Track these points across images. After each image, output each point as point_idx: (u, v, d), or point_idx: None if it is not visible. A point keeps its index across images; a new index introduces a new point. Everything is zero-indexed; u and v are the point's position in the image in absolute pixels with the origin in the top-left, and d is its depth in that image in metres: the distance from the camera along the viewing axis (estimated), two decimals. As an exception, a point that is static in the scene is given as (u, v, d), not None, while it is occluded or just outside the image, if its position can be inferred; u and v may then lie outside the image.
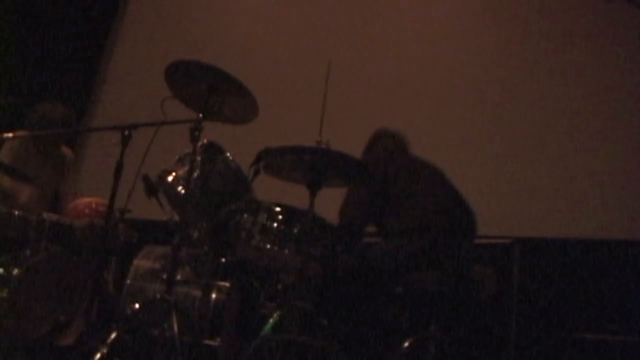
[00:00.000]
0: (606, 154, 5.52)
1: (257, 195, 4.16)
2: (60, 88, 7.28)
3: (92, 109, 7.84)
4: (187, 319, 3.84)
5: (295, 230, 3.80)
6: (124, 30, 8.15)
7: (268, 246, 3.81)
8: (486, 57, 6.19)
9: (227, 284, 4.04)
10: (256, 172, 4.03)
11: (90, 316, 3.99)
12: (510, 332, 4.83)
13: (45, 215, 4.65)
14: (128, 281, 4.18)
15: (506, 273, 4.90)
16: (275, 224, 3.82)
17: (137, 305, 3.84)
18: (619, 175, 5.41)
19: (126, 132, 3.81)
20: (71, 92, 7.33)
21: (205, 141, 4.07)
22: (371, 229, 4.39)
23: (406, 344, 3.85)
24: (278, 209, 3.85)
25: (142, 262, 4.24)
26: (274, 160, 3.84)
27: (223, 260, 4.12)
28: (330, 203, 4.18)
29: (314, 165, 3.73)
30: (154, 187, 4.19)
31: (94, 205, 4.89)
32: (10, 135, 4.92)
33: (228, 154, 4.14)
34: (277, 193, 4.05)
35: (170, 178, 4.05)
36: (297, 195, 3.96)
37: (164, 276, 3.98)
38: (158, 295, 3.73)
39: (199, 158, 3.99)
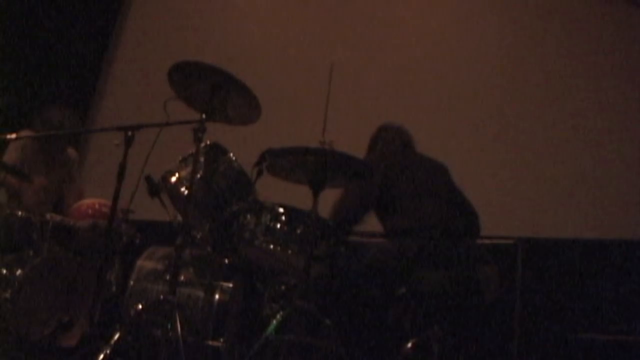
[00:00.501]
0: (611, 154, 5.52)
1: (260, 196, 4.15)
2: (63, 89, 7.29)
3: (95, 110, 7.84)
4: (191, 320, 3.84)
5: (299, 231, 3.80)
6: (127, 31, 8.15)
7: (271, 247, 3.81)
8: (491, 58, 6.20)
9: (230, 285, 4.04)
10: (259, 173, 4.03)
11: (94, 317, 3.98)
12: (514, 333, 4.82)
13: (48, 216, 4.67)
14: (131, 282, 4.18)
15: (510, 273, 4.90)
16: (278, 225, 3.82)
17: (140, 306, 3.84)
18: (624, 176, 5.41)
19: (129, 133, 3.81)
20: (74, 93, 7.34)
21: (208, 142, 4.05)
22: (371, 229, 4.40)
23: (409, 345, 3.84)
24: (281, 209, 3.85)
25: (145, 263, 4.24)
26: (277, 161, 3.83)
27: (226, 261, 4.12)
28: (332, 203, 4.18)
29: (317, 166, 3.72)
30: (156, 187, 4.18)
31: (97, 206, 4.90)
32: (14, 136, 4.94)
33: (231, 155, 4.13)
34: (280, 194, 4.04)
35: (173, 179, 4.04)
36: (300, 195, 3.96)
37: (167, 277, 3.98)
38: (161, 296, 3.72)
39: (202, 159, 3.98)
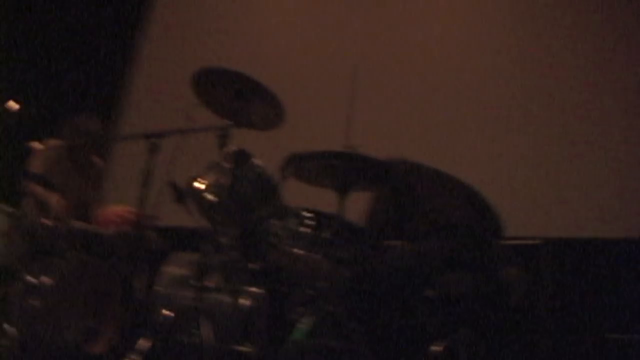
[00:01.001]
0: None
1: (286, 200, 4.15)
2: (88, 97, 7.34)
3: (119, 117, 7.90)
4: (218, 326, 3.84)
5: (325, 235, 3.80)
6: (150, 37, 8.18)
7: (298, 251, 3.81)
8: (515, 57, 6.15)
9: (257, 290, 4.04)
10: (284, 178, 4.04)
11: (121, 324, 4.00)
12: (541, 335, 4.80)
13: (75, 223, 4.69)
14: (156, 288, 4.18)
15: (536, 274, 4.88)
16: (304, 229, 3.82)
17: (167, 312, 3.85)
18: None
19: (154, 140, 3.82)
20: (99, 101, 7.39)
21: (233, 148, 4.06)
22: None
23: (437, 348, 3.83)
24: (307, 214, 3.85)
25: (170, 269, 4.24)
26: (303, 165, 3.84)
27: (253, 266, 4.12)
28: (358, 207, 4.18)
29: (342, 170, 3.73)
30: (181, 193, 4.20)
31: (122, 213, 4.91)
32: (40, 145, 4.98)
33: (256, 160, 4.13)
34: (306, 198, 4.04)
35: (199, 185, 4.04)
36: (325, 199, 3.96)
37: (195, 283, 3.99)
38: (188, 302, 3.73)
39: (227, 165, 3.99)
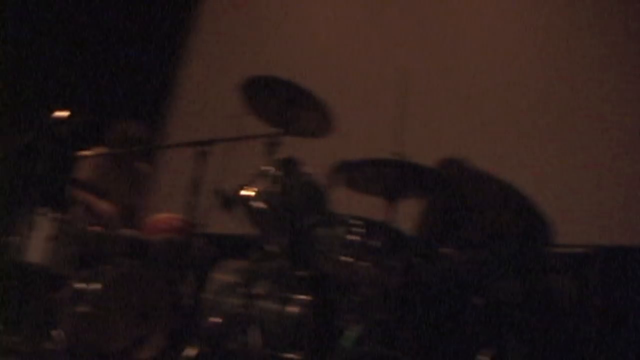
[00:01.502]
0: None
1: (334, 208, 4.15)
2: (135, 105, 7.40)
3: (167, 124, 7.97)
4: (267, 333, 3.85)
5: (374, 243, 3.79)
6: (197, 45, 8.25)
7: (346, 259, 3.80)
8: (563, 63, 6.08)
9: (305, 298, 4.04)
10: (333, 186, 4.04)
11: (169, 330, 4.02)
12: (590, 343, 4.75)
13: (123, 231, 4.73)
14: (206, 295, 4.19)
15: (586, 283, 4.83)
16: (353, 237, 3.80)
17: (216, 320, 3.87)
18: None
19: (203, 148, 3.85)
20: (146, 109, 7.45)
21: (282, 155, 4.08)
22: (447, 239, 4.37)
23: (485, 355, 3.81)
24: (356, 221, 3.83)
25: (219, 277, 4.25)
26: (352, 173, 3.84)
27: (301, 273, 4.12)
28: (408, 214, 4.17)
29: (391, 177, 3.72)
30: (229, 201, 4.22)
31: (170, 220, 4.95)
32: (88, 153, 5.03)
33: (305, 168, 4.14)
34: (354, 206, 4.03)
35: (248, 193, 4.05)
36: (374, 207, 3.95)
37: (243, 290, 4.00)
38: (236, 310, 3.74)
39: (276, 173, 4.01)
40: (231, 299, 4.13)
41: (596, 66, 5.98)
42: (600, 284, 4.86)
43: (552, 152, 5.79)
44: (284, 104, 3.92)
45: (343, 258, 3.82)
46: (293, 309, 3.99)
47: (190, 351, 3.70)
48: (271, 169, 3.90)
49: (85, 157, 5.14)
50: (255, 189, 4.06)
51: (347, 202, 4.15)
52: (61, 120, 4.74)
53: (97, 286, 4.43)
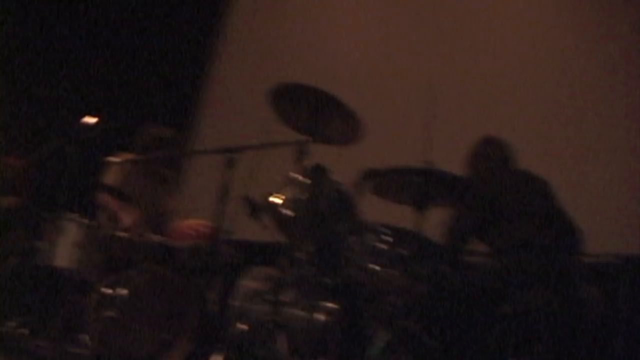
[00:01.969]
0: None
1: (363, 216, 4.13)
2: (163, 111, 7.44)
3: (194, 131, 8.00)
4: (294, 341, 3.84)
5: (402, 251, 3.78)
6: (226, 52, 8.26)
7: (375, 267, 3.80)
8: (597, 72, 6.04)
9: (333, 306, 4.03)
10: (360, 193, 4.04)
11: (195, 336, 4.02)
12: (619, 354, 4.71)
13: (150, 236, 4.75)
14: (233, 302, 4.18)
15: (615, 293, 4.79)
16: (382, 245, 3.80)
17: (243, 327, 3.87)
18: None
19: (231, 155, 3.85)
20: (174, 115, 7.48)
21: (310, 163, 4.07)
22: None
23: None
24: (385, 229, 3.83)
25: (248, 284, 4.23)
26: (380, 181, 3.83)
27: (328, 281, 4.12)
28: (436, 222, 4.16)
29: (420, 185, 3.71)
30: (257, 208, 4.22)
31: (197, 227, 4.96)
32: (116, 158, 5.05)
33: (333, 176, 4.13)
34: (383, 213, 4.02)
35: (276, 200, 4.06)
36: (402, 215, 3.94)
37: (270, 297, 4.00)
38: (264, 317, 3.74)
39: (304, 180, 4.01)
40: (258, 306, 4.12)
41: (624, 72, 5.94)
42: (629, 294, 4.82)
43: (582, 160, 5.75)
44: (312, 111, 3.91)
45: (371, 266, 3.82)
46: (320, 317, 3.97)
47: (217, 358, 3.69)
48: (299, 177, 3.90)
49: (113, 162, 5.16)
50: (284, 196, 4.07)
51: (375, 210, 4.15)
52: (89, 125, 4.77)
53: (124, 291, 4.45)
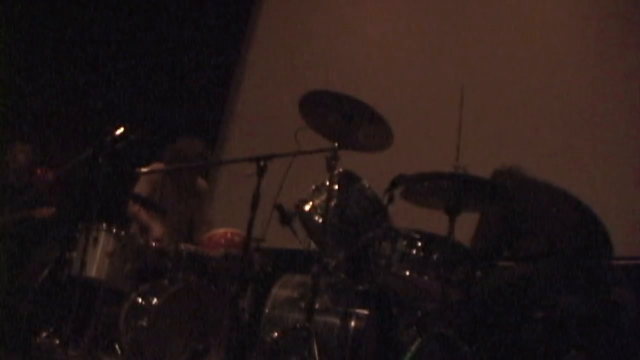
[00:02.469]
0: None
1: (394, 222, 4.13)
2: (192, 120, 7.48)
3: (224, 140, 8.04)
4: (327, 348, 3.84)
5: (435, 257, 3.77)
6: (255, 60, 8.31)
7: (407, 273, 3.78)
8: (623, 72, 6.01)
9: (366, 312, 4.03)
10: (390, 199, 4.03)
11: (228, 344, 4.03)
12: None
13: (182, 245, 4.77)
14: (266, 310, 4.18)
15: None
16: (414, 251, 3.79)
17: (276, 334, 3.87)
18: None
19: (261, 163, 3.85)
20: (204, 124, 7.52)
21: (341, 170, 4.07)
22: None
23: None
24: (417, 235, 3.82)
25: (280, 291, 4.24)
26: (411, 186, 3.82)
27: (361, 287, 4.12)
28: (468, 228, 4.15)
29: (452, 191, 3.69)
30: (288, 216, 4.23)
31: (229, 235, 4.97)
32: (146, 169, 5.08)
33: (364, 182, 4.13)
34: (415, 219, 4.02)
35: (307, 207, 4.07)
36: (434, 220, 3.94)
37: (303, 305, 4.00)
38: (297, 324, 3.74)
39: (335, 187, 4.00)
40: (291, 313, 4.14)
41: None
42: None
43: (612, 164, 5.71)
44: (342, 118, 3.91)
45: (403, 272, 3.82)
46: (353, 324, 3.99)
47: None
48: (330, 184, 3.89)
49: (145, 173, 5.20)
50: (314, 204, 4.08)
51: (406, 215, 4.14)
52: (121, 136, 4.80)
53: (156, 301, 4.48)
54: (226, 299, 4.60)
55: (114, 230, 4.80)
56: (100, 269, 4.72)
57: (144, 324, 4.39)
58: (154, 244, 4.84)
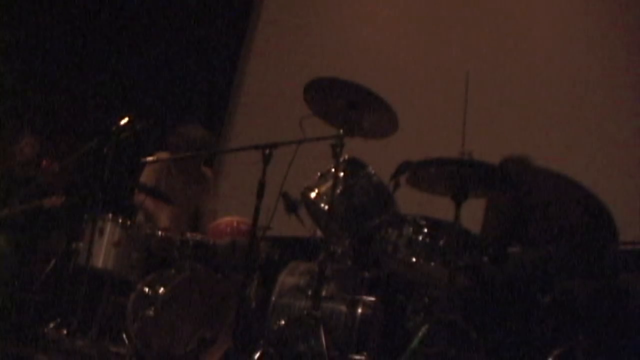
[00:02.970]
0: None
1: (401, 208, 4.12)
2: (197, 109, 7.48)
3: (229, 128, 8.02)
4: (334, 335, 3.84)
5: (441, 243, 3.77)
6: (259, 48, 8.29)
7: (414, 259, 3.78)
8: (627, 59, 5.97)
9: (372, 299, 4.03)
10: (396, 185, 4.03)
11: (235, 333, 4.04)
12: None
13: (188, 234, 4.77)
14: (273, 298, 4.19)
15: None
16: (420, 237, 3.79)
17: (283, 322, 3.88)
18: None
19: (267, 151, 3.85)
20: (208, 113, 7.52)
21: (346, 157, 4.06)
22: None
23: (555, 355, 3.76)
24: (423, 221, 3.82)
25: (287, 279, 4.25)
26: (417, 172, 3.81)
27: (367, 274, 4.12)
28: (474, 214, 4.14)
29: (458, 176, 3.68)
30: (294, 204, 4.23)
31: (235, 224, 4.96)
32: (152, 158, 5.08)
33: (370, 169, 4.12)
34: (421, 205, 4.02)
35: (313, 195, 4.06)
36: (440, 206, 3.93)
37: (310, 292, 4.00)
38: (305, 312, 3.74)
39: (341, 174, 3.98)
40: (297, 301, 4.14)
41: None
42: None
43: (617, 148, 5.69)
44: (347, 105, 3.90)
45: (410, 258, 3.82)
46: (360, 310, 3.99)
47: (257, 353, 3.69)
48: (335, 171, 3.88)
49: (150, 162, 5.19)
50: (320, 191, 4.07)
51: (413, 202, 4.14)
52: (126, 126, 4.80)
53: (163, 290, 4.48)
54: (233, 288, 4.60)
55: (120, 220, 4.80)
56: (106, 259, 4.73)
57: (151, 313, 4.38)
58: (160, 233, 4.83)
